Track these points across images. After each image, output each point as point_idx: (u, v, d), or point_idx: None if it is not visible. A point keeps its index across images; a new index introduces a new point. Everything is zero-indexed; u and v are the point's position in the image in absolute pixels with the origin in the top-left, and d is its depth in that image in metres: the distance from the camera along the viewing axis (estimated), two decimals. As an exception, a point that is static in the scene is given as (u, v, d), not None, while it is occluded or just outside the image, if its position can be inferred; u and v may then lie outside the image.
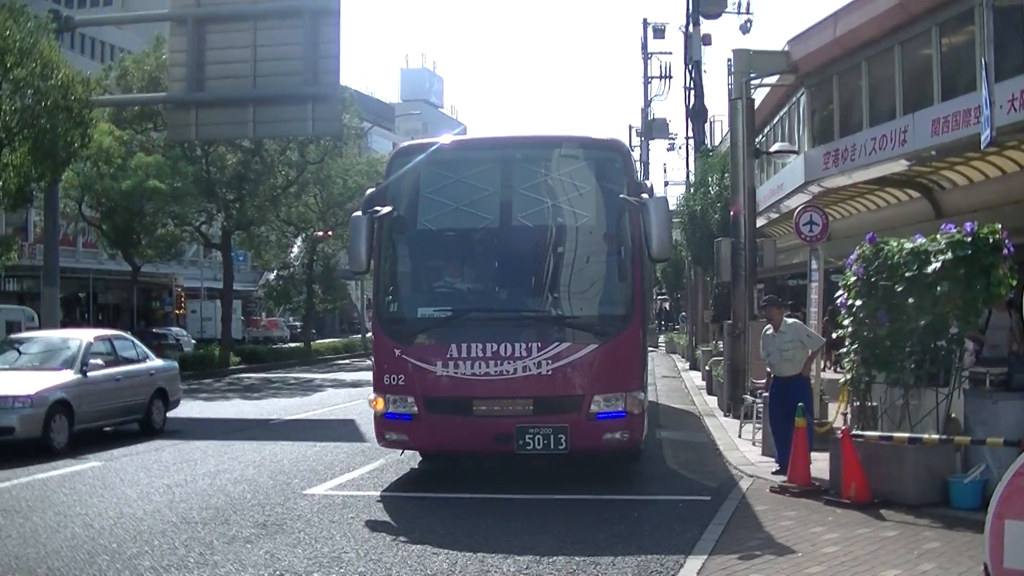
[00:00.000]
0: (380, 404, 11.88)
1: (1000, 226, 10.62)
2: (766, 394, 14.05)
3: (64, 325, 27.29)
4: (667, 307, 70.52)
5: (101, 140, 27.75)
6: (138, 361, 18.13)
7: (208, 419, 20.39)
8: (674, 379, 30.12)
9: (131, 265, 35.77)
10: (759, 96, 28.27)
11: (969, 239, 10.39)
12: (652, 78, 49.76)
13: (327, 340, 55.47)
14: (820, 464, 11.60)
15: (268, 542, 9.16)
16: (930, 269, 10.50)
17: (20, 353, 17.29)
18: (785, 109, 32.67)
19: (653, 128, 51.06)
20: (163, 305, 60.83)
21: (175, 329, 51.66)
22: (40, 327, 30.96)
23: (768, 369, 12.96)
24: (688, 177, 42.44)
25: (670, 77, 49.02)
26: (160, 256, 37.65)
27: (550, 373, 11.32)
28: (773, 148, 23.76)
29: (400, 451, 13.31)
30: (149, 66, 33.30)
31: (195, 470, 13.47)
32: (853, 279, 11.65)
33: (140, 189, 30.16)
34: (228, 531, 9.64)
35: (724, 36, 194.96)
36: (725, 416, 18.48)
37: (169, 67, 26.62)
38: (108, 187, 30.43)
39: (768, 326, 12.88)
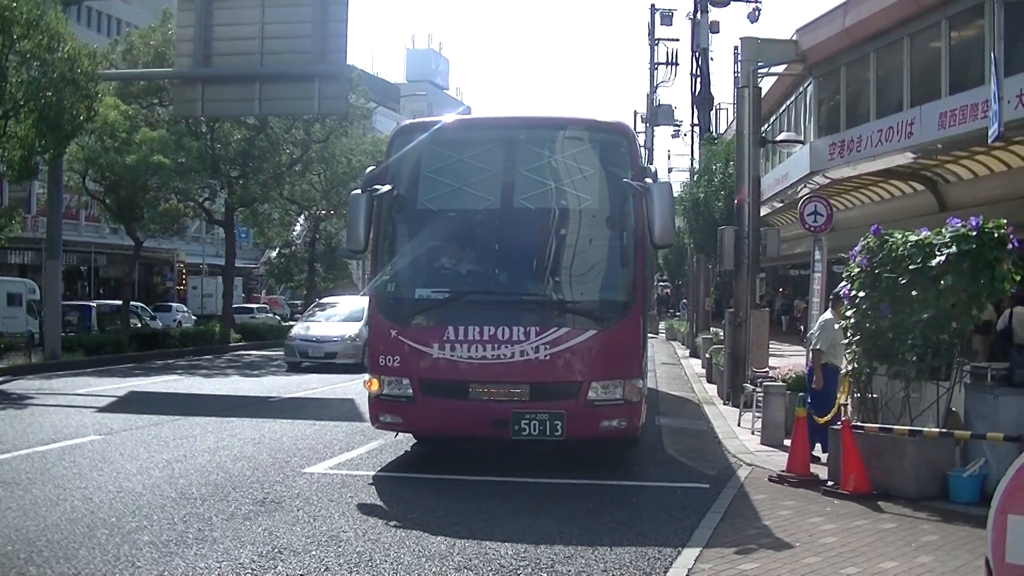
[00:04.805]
0: (375, 386, 11.72)
1: (1005, 221, 10.61)
2: (766, 383, 14.10)
3: (65, 298, 27.44)
4: (668, 293, 70.38)
5: (106, 114, 27.67)
6: None
7: (207, 395, 20.41)
8: (674, 366, 30.10)
9: (133, 239, 35.65)
10: (766, 85, 28.26)
11: (974, 233, 10.38)
12: (658, 64, 49.52)
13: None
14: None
15: (267, 519, 9.18)
16: (934, 262, 10.49)
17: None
18: (792, 98, 32.66)
19: (658, 114, 50.90)
20: (164, 280, 60.84)
21: (176, 304, 51.67)
22: (42, 299, 31.10)
23: (830, 360, 12.59)
24: (692, 164, 42.37)
25: (677, 64, 48.69)
26: (163, 231, 37.53)
27: (548, 358, 11.16)
28: (779, 137, 23.70)
29: (395, 434, 13.30)
30: (156, 41, 33.16)
31: (194, 446, 13.48)
32: (857, 270, 11.64)
33: (144, 164, 30.04)
34: (227, 508, 9.66)
35: (732, 24, 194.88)
36: (725, 404, 18.49)
37: (176, 42, 26.61)
38: (112, 161, 30.32)
39: (831, 315, 12.78)
